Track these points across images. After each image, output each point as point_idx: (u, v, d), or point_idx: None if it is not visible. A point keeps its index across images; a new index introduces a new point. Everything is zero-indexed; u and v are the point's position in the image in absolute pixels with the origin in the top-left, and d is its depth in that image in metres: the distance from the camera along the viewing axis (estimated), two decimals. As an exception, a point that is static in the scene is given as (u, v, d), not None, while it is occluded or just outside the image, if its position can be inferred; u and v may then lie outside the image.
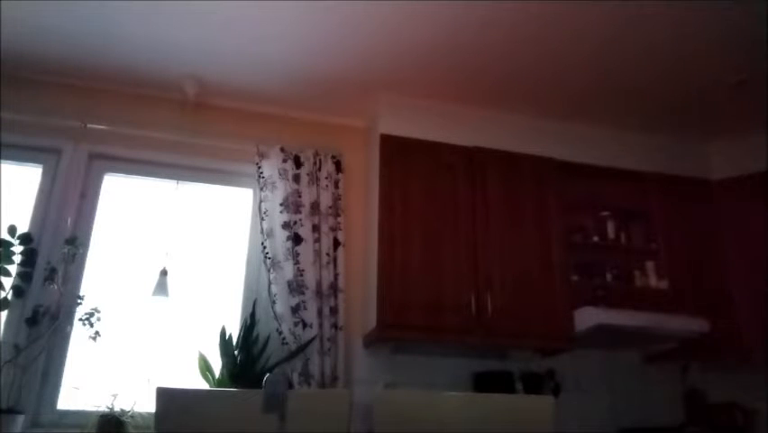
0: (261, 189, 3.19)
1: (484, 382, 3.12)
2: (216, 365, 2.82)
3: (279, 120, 3.49)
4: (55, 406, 2.76)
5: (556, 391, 3.12)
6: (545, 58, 3.03)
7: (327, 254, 3.12)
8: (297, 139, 3.39)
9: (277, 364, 2.81)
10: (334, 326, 3.01)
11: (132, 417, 2.64)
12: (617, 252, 3.45)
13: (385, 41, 2.93)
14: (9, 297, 2.72)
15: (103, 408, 2.64)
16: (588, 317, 2.99)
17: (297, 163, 3.25)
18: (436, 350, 3.17)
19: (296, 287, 2.98)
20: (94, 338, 2.69)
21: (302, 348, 2.87)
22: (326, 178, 3.27)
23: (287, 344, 2.90)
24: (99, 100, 3.26)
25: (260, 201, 3.17)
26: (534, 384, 3.11)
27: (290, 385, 2.82)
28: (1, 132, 3.01)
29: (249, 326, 2.86)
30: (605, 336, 3.11)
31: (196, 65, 3.13)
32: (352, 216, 3.35)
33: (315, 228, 3.14)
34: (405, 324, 2.88)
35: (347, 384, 3.01)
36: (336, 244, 3.17)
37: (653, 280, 3.36)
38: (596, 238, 3.42)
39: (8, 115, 3.04)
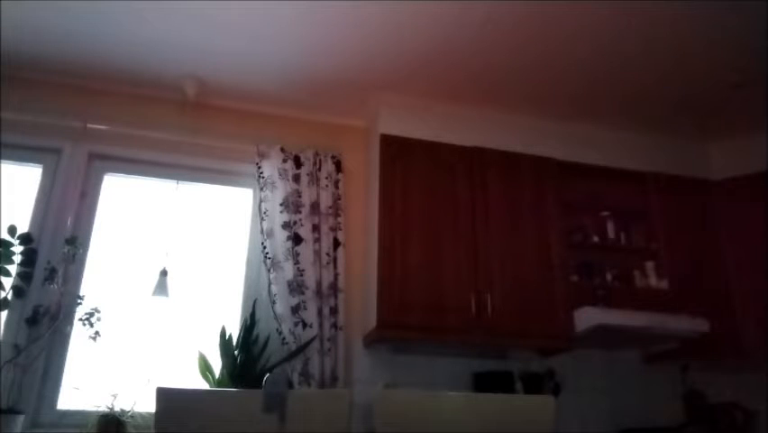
0: (261, 189, 3.19)
1: (484, 382, 3.11)
2: (216, 365, 2.82)
3: (279, 120, 3.49)
4: (55, 406, 2.76)
5: (556, 391, 3.12)
6: (545, 58, 3.03)
7: (327, 254, 3.12)
8: (297, 139, 3.39)
9: (277, 364, 2.81)
10: (334, 326, 3.01)
11: (132, 417, 2.64)
12: (617, 252, 3.45)
13: (385, 41, 2.93)
14: (9, 297, 2.72)
15: (103, 408, 2.64)
16: (588, 317, 2.99)
17: (297, 163, 3.25)
18: (436, 350, 3.17)
19: (296, 287, 2.98)
20: (94, 338, 2.69)
21: (302, 348, 2.87)
22: (326, 178, 3.27)
23: (287, 344, 2.90)
24: (99, 100, 3.26)
25: (260, 201, 3.17)
26: (534, 384, 3.11)
27: (290, 385, 2.82)
28: (1, 132, 3.01)
29: (249, 326, 2.86)
30: (605, 336, 3.11)
31: (196, 65, 3.13)
32: (352, 216, 3.35)
33: (315, 228, 3.14)
34: (405, 324, 2.88)
35: (347, 384, 3.01)
36: (336, 244, 3.17)
37: (653, 281, 3.35)
38: (596, 238, 3.42)
39: (8, 115, 3.03)
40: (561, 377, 3.18)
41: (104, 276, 3.02)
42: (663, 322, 2.99)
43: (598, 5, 2.66)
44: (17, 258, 2.78)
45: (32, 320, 2.72)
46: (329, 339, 2.96)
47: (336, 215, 3.23)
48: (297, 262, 3.03)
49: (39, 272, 2.82)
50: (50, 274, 2.75)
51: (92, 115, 3.19)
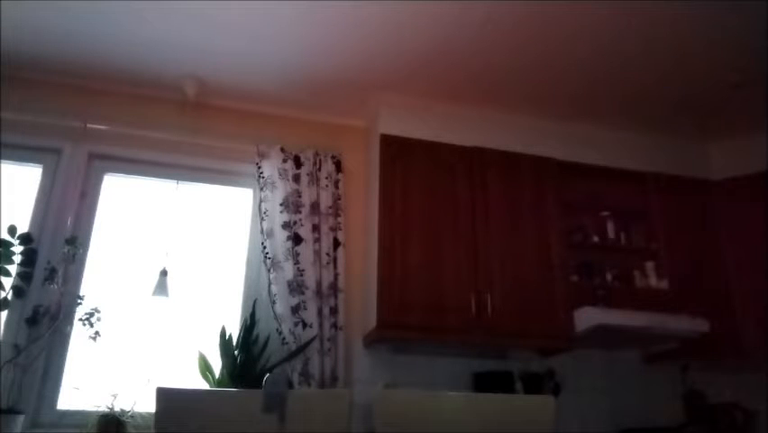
0: (261, 189, 3.19)
1: (484, 382, 3.11)
2: (216, 365, 2.82)
3: (279, 120, 3.49)
4: (55, 406, 2.76)
5: (556, 391, 3.12)
6: (545, 58, 3.03)
7: (327, 254, 3.12)
8: (297, 139, 3.39)
9: (277, 364, 2.81)
10: (334, 326, 3.01)
11: (132, 417, 2.64)
12: (617, 252, 3.45)
13: (385, 41, 2.93)
14: (9, 297, 2.72)
15: (103, 408, 2.64)
16: (588, 318, 2.99)
17: (297, 163, 3.25)
18: (436, 350, 3.17)
19: (296, 287, 2.98)
20: (94, 338, 2.69)
21: (302, 348, 2.87)
22: (326, 178, 3.27)
23: (287, 344, 2.90)
24: (99, 100, 3.26)
25: (260, 201, 3.17)
26: (534, 384, 3.11)
27: (290, 385, 2.82)
28: (1, 132, 3.01)
29: (249, 326, 2.86)
30: (605, 336, 3.11)
31: (196, 65, 3.13)
32: (352, 216, 3.35)
33: (315, 228, 3.14)
34: (405, 324, 2.88)
35: (347, 384, 3.01)
36: (336, 244, 3.17)
37: (653, 281, 3.35)
38: (596, 238, 3.42)
39: (8, 115, 3.03)
40: (561, 377, 3.18)
41: (104, 276, 3.02)
42: (663, 322, 2.99)
43: (598, 5, 2.66)
44: (17, 258, 2.78)
45: (32, 320, 2.72)
46: (329, 339, 2.96)
47: (336, 215, 3.23)
48: (297, 262, 3.03)
49: (39, 272, 2.82)
50: (50, 274, 2.75)
51: (92, 115, 3.19)
